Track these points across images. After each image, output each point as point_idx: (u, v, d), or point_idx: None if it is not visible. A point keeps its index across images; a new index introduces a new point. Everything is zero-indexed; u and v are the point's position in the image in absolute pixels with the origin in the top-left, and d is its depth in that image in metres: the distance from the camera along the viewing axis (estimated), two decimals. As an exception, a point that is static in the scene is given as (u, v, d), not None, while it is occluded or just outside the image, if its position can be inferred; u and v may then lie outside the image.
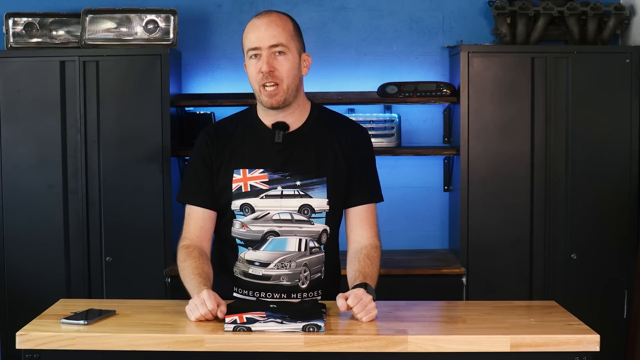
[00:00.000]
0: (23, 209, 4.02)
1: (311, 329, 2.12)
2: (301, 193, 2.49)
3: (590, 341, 2.11)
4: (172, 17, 4.05)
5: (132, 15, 4.07)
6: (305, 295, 2.52)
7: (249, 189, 2.50)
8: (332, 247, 2.57)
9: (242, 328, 2.13)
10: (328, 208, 2.50)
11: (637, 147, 4.01)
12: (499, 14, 4.14)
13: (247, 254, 2.52)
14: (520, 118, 4.01)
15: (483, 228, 4.03)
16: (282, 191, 2.49)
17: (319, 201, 2.49)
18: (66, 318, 2.23)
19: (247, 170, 2.51)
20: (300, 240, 2.50)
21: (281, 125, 2.51)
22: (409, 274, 3.95)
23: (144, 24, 4.07)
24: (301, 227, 2.50)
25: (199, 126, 3.74)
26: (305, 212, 2.49)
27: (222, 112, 4.12)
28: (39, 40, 4.10)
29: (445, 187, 4.39)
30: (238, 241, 2.53)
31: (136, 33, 4.08)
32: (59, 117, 3.99)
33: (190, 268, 2.42)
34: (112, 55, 4.01)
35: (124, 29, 4.08)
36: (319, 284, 2.55)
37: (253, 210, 2.50)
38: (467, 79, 4.00)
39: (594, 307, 3.99)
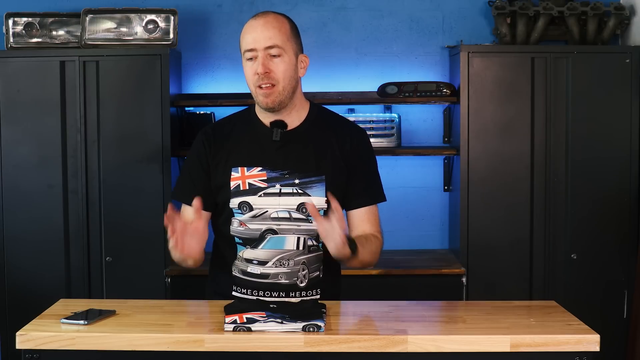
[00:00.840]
0: (23, 209, 4.02)
1: (311, 329, 2.12)
2: (299, 191, 2.49)
3: (590, 341, 2.11)
4: (172, 17, 4.05)
5: (132, 15, 4.07)
6: (304, 294, 2.52)
7: (248, 187, 2.50)
8: None
9: (242, 328, 2.13)
10: (326, 206, 2.50)
11: (637, 147, 4.01)
12: (499, 14, 4.14)
13: (246, 252, 2.52)
14: (520, 118, 4.01)
15: (483, 228, 4.03)
16: (280, 189, 2.49)
17: (318, 199, 2.50)
18: (66, 318, 2.23)
19: (245, 168, 2.52)
20: (298, 239, 2.50)
21: (279, 124, 2.52)
22: (409, 274, 3.95)
23: (144, 24, 4.07)
24: (299, 226, 2.50)
25: (199, 126, 3.71)
26: (304, 210, 2.49)
27: (222, 112, 4.11)
28: (39, 40, 4.10)
29: (445, 187, 4.39)
30: (237, 239, 2.53)
31: (136, 33, 4.08)
32: (59, 117, 3.99)
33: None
34: (112, 55, 4.01)
35: (124, 29, 4.08)
36: (318, 282, 2.55)
37: (251, 208, 2.50)
38: (467, 79, 4.00)
39: (594, 307, 3.99)
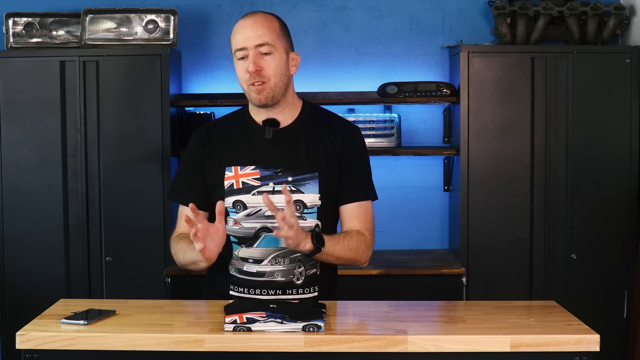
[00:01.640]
0: (23, 209, 4.02)
1: (311, 329, 2.12)
2: (293, 189, 2.50)
3: (590, 341, 2.11)
4: (172, 17, 4.05)
5: (132, 15, 4.07)
6: (300, 291, 2.52)
7: (241, 186, 2.51)
8: None
9: (242, 328, 2.13)
10: (320, 203, 2.50)
11: (637, 147, 4.02)
12: (499, 14, 4.14)
13: (241, 251, 2.53)
14: (520, 118, 4.01)
15: (483, 228, 4.03)
16: (273, 187, 2.50)
17: (311, 196, 2.50)
18: (66, 318, 2.23)
19: (238, 167, 2.53)
20: None
21: (271, 122, 2.54)
22: (409, 274, 3.95)
23: (144, 24, 4.07)
24: None
25: (199, 126, 3.72)
26: (297, 207, 2.49)
27: (222, 112, 4.06)
28: (39, 40, 4.10)
29: (445, 187, 4.39)
30: (232, 238, 2.54)
31: (136, 33, 4.08)
32: (59, 117, 3.99)
33: (185, 243, 2.47)
34: (112, 55, 4.01)
35: (124, 29, 4.08)
36: (315, 280, 2.55)
37: (245, 207, 2.51)
38: (467, 79, 4.00)
39: (594, 307, 3.99)
